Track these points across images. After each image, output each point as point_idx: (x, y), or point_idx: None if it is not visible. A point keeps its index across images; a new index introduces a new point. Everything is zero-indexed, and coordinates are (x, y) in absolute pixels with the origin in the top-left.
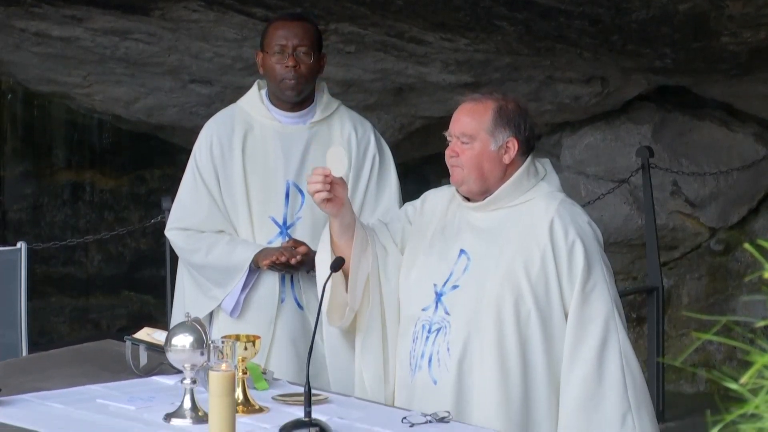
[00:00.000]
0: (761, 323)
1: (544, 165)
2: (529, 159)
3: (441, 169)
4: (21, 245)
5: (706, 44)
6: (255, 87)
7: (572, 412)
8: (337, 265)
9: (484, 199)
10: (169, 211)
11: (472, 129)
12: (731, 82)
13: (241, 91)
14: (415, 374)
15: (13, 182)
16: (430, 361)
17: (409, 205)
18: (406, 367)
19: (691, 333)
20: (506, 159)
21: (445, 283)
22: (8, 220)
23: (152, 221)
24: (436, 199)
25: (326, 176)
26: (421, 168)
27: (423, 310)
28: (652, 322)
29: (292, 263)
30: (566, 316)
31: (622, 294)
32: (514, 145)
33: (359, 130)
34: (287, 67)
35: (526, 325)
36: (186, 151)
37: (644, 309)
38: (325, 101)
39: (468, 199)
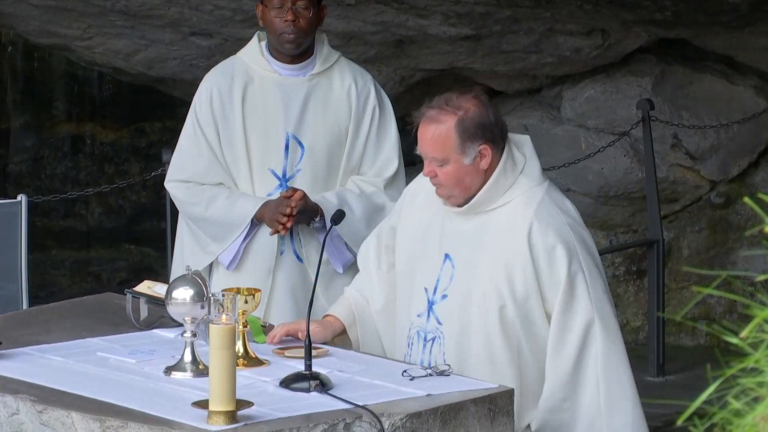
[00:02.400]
0: (761, 277)
1: (523, 148)
2: (505, 153)
3: None
4: (21, 198)
5: None
6: (255, 39)
7: (544, 421)
8: (339, 217)
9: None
10: (169, 164)
11: (440, 153)
12: (732, 35)
13: (241, 43)
14: None
15: (13, 135)
16: None
17: (386, 224)
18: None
19: (691, 287)
20: (483, 165)
21: (435, 290)
22: (8, 173)
23: (152, 174)
24: (416, 193)
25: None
26: None
27: (418, 316)
28: (653, 275)
29: (289, 222)
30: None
31: (623, 247)
32: (487, 151)
33: (359, 82)
34: (286, 21)
35: (513, 333)
36: (186, 104)
37: (644, 262)
38: (325, 53)
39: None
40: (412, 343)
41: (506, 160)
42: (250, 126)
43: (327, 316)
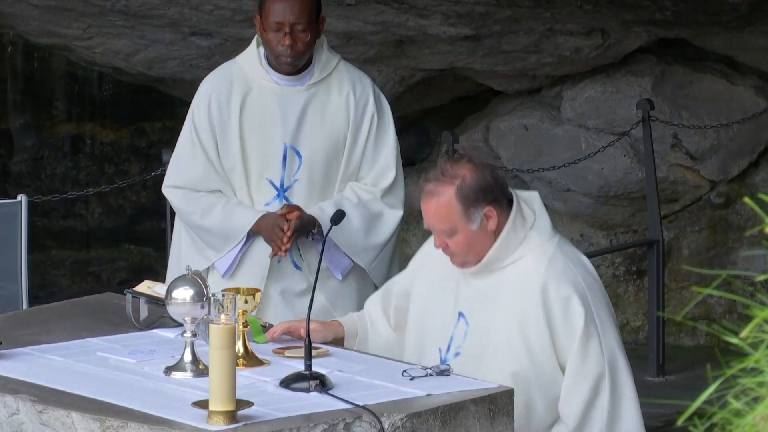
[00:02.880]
0: (761, 277)
1: (532, 204)
2: (514, 210)
3: (441, 122)
4: (21, 198)
5: None
6: (254, 44)
7: None
8: (339, 217)
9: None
10: (168, 164)
11: (447, 224)
12: (732, 35)
13: (241, 43)
14: None
15: (13, 135)
16: None
17: (396, 285)
18: None
19: (691, 287)
20: (491, 226)
21: (448, 349)
22: (9, 173)
23: (152, 174)
24: (428, 253)
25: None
26: (421, 120)
27: None
28: (653, 275)
29: (288, 244)
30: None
31: (623, 247)
32: (492, 213)
33: (357, 90)
34: (283, 45)
35: (525, 388)
36: (186, 104)
37: (644, 262)
38: (323, 60)
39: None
40: None
41: (515, 217)
42: (247, 136)
43: (332, 320)
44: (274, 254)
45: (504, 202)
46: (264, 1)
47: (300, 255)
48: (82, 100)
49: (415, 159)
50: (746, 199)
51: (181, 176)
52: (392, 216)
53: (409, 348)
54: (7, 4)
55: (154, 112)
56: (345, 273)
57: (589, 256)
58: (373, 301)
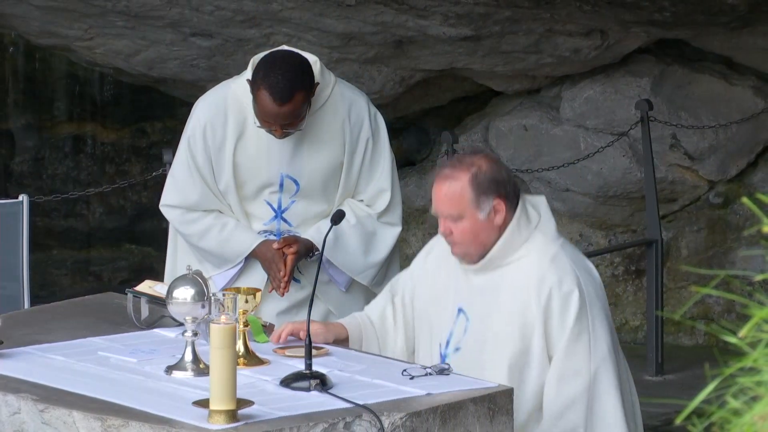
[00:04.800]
0: (760, 277)
1: (538, 207)
2: (519, 209)
3: (441, 122)
4: (23, 198)
5: None
6: (249, 70)
7: None
8: (339, 218)
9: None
10: (170, 164)
11: (456, 209)
12: (730, 35)
13: (241, 44)
14: None
15: (15, 135)
16: None
17: (410, 270)
18: None
19: (690, 286)
20: (498, 221)
21: (448, 344)
22: (10, 173)
23: (153, 174)
24: (440, 249)
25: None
26: (421, 120)
27: None
28: (651, 275)
29: (286, 288)
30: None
31: (622, 247)
32: (501, 206)
33: (353, 114)
34: (274, 132)
35: (525, 386)
36: (187, 104)
37: (643, 261)
38: (318, 90)
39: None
40: None
41: (520, 216)
42: (243, 167)
43: (334, 322)
44: (272, 290)
45: (514, 201)
46: (255, 93)
47: (299, 270)
48: (83, 101)
49: (414, 159)
50: (744, 200)
51: (178, 196)
52: (390, 233)
53: (414, 345)
54: (9, 5)
55: (155, 112)
56: (347, 286)
57: (589, 255)
58: (377, 302)
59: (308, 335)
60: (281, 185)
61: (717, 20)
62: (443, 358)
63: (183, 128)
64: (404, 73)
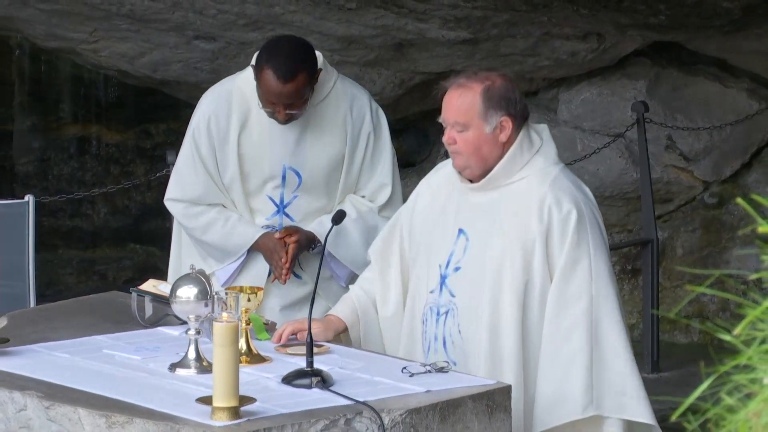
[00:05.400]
0: (754, 276)
1: (541, 133)
2: (522, 132)
3: (440, 123)
4: (29, 198)
5: (700, 1)
6: (254, 60)
7: (541, 394)
8: (339, 217)
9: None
10: (173, 165)
11: (464, 117)
12: (725, 39)
13: (244, 47)
14: (428, 356)
15: (21, 136)
16: (444, 343)
17: (401, 215)
18: (420, 350)
19: (685, 285)
20: (503, 138)
21: (448, 264)
22: (16, 174)
23: (157, 174)
24: (431, 184)
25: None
26: (421, 122)
27: (430, 292)
28: (647, 274)
29: (287, 275)
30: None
31: (618, 246)
32: (508, 123)
33: (354, 108)
34: (278, 116)
35: (526, 304)
36: (190, 106)
37: (639, 261)
38: (321, 83)
39: (470, 180)
40: (426, 320)
41: (523, 139)
42: (246, 159)
43: (329, 315)
44: (274, 279)
45: (521, 123)
46: (258, 75)
47: (300, 266)
48: (88, 103)
49: (414, 160)
50: (739, 200)
51: (183, 190)
52: None
53: (414, 273)
54: (15, 9)
55: (159, 114)
56: (348, 281)
57: None
58: (382, 241)
59: (309, 333)
60: (284, 178)
61: (711, 23)
62: (443, 278)
63: (186, 130)
64: (404, 76)
